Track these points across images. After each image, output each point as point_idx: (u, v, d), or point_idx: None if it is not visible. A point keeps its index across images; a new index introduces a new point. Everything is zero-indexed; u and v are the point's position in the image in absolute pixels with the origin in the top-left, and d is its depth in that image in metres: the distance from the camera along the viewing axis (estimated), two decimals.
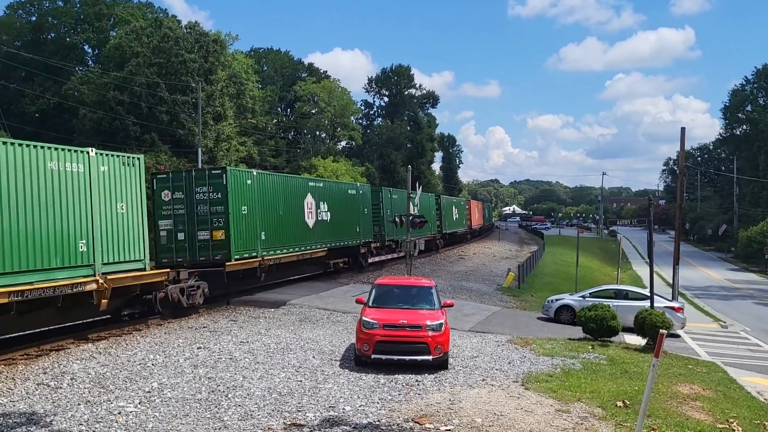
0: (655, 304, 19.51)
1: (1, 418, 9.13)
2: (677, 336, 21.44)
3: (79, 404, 9.88)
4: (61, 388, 10.82)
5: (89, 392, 10.58)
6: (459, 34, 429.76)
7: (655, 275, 21.00)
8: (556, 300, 22.92)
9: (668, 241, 70.91)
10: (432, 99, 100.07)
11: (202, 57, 51.54)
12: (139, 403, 9.96)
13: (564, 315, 21.99)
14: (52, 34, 61.93)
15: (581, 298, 22.17)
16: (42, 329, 15.08)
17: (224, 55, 57.22)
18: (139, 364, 12.60)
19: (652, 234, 20.70)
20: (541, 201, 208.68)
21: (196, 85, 49.21)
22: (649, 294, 20.22)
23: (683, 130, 30.30)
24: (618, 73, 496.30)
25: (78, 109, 49.16)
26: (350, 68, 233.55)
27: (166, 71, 49.07)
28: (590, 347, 16.31)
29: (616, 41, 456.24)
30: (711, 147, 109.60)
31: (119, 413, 9.43)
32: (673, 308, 21.59)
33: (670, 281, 31.27)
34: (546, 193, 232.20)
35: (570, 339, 17.63)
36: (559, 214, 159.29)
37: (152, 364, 12.55)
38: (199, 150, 46.30)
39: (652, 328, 16.29)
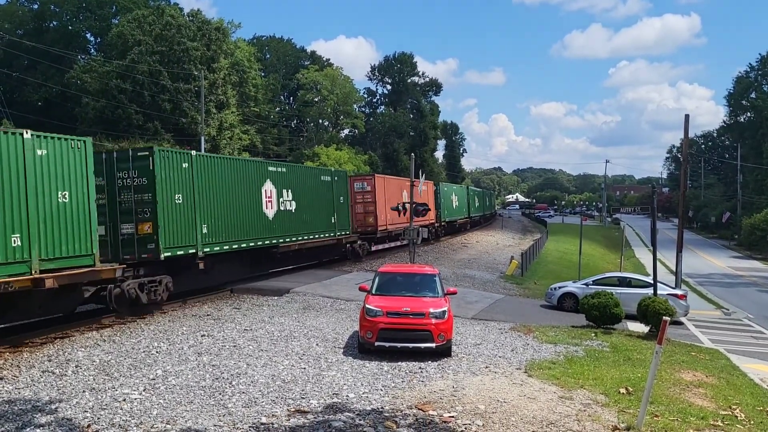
0: (658, 292, 19.48)
1: (6, 405, 9.19)
2: (680, 323, 21.42)
3: (84, 391, 9.93)
4: (65, 375, 10.88)
5: (94, 379, 10.64)
6: (463, 21, 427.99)
7: (658, 263, 20.96)
8: (559, 287, 22.89)
9: (671, 228, 70.77)
10: (435, 87, 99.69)
11: (204, 45, 51.37)
12: (144, 390, 10.01)
13: (567, 302, 21.95)
14: (54, 23, 61.74)
15: (584, 286, 22.13)
16: (42, 318, 15.16)
17: (227, 43, 56.99)
18: (144, 351, 12.65)
19: (655, 222, 20.62)
20: (545, 189, 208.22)
21: (198, 73, 49.05)
22: (652, 281, 20.20)
23: (687, 117, 30.14)
24: (622, 60, 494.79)
25: (81, 98, 49.09)
26: (354, 56, 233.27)
27: (169, 59, 48.94)
28: (593, 334, 16.34)
29: (621, 28, 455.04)
30: (715, 134, 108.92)
31: (124, 400, 9.49)
32: (676, 295, 21.55)
33: (674, 269, 31.21)
34: (549, 181, 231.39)
35: (573, 326, 17.65)
36: (563, 202, 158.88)
37: (156, 352, 12.61)
38: (202, 138, 46.24)
39: (655, 315, 16.30)
